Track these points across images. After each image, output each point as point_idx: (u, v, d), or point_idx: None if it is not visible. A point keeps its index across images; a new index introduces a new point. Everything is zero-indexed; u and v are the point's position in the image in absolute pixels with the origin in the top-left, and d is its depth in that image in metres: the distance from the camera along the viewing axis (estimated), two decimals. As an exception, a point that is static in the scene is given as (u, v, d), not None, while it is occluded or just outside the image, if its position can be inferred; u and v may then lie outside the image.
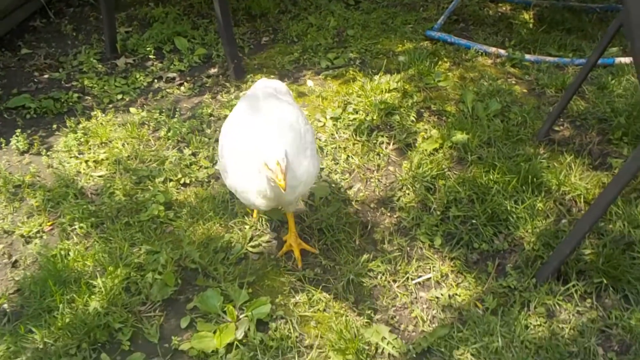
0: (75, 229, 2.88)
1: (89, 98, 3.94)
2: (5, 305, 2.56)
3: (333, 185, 3.13)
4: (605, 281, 2.60)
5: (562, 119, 3.50)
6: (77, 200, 3.03)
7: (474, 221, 2.90)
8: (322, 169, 3.22)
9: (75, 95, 3.93)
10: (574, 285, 2.59)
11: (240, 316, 2.48)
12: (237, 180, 2.37)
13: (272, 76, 3.10)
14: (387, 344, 2.39)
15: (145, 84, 4.06)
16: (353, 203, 3.04)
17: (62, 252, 2.73)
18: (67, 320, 2.43)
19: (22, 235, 2.89)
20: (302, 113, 2.65)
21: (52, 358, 2.32)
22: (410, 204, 3.01)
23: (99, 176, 3.20)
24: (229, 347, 2.37)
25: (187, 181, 3.16)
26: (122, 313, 2.48)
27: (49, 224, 2.94)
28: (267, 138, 2.26)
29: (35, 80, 4.15)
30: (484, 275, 2.69)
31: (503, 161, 3.14)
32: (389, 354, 2.37)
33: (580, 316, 2.51)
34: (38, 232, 2.91)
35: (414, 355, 2.37)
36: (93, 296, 2.53)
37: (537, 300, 2.54)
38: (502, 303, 2.56)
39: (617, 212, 2.90)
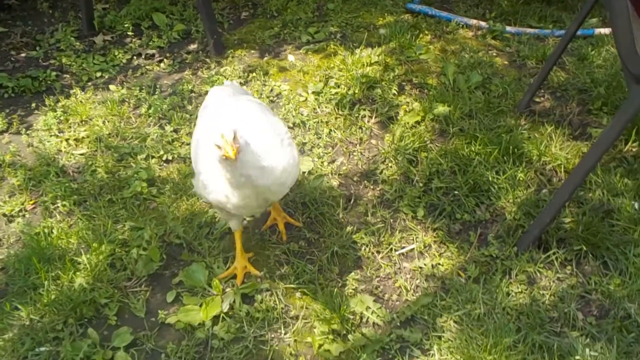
0: (58, 207, 2.87)
1: (68, 76, 3.89)
2: (-10, 284, 2.56)
3: (316, 159, 3.13)
4: (584, 248, 2.65)
5: (542, 90, 3.53)
6: (59, 179, 3.01)
7: (456, 192, 2.94)
8: (304, 144, 3.23)
9: (54, 73, 3.87)
10: (554, 253, 2.64)
11: (226, 289, 2.50)
12: (220, 187, 2.15)
13: (225, 81, 2.98)
14: (372, 313, 2.43)
15: (124, 61, 4.01)
16: (336, 176, 3.05)
17: (46, 230, 2.72)
18: (53, 296, 2.43)
19: (4, 214, 2.87)
20: (267, 107, 2.53)
21: (39, 334, 2.32)
22: (393, 177, 3.03)
23: (80, 154, 3.18)
24: (216, 319, 2.39)
25: (170, 157, 3.14)
26: (108, 289, 2.49)
27: (31, 202, 2.92)
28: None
29: (12, 59, 4.09)
30: (466, 245, 2.72)
31: (484, 133, 3.16)
32: (373, 322, 2.41)
33: (561, 282, 2.56)
34: (20, 210, 2.89)
35: (398, 324, 2.41)
36: (78, 273, 2.53)
37: (518, 268, 2.59)
38: (484, 271, 2.60)
39: (597, 181, 2.95)
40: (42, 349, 2.28)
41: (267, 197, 2.20)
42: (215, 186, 2.16)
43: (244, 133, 2.02)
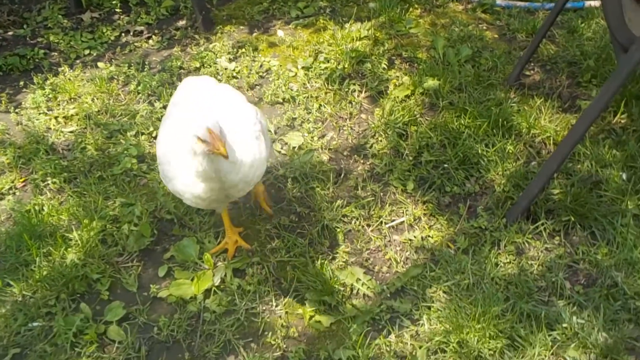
0: (48, 184, 2.87)
1: (56, 54, 3.86)
2: (-19, 261, 2.57)
3: (306, 134, 3.13)
4: (573, 219, 2.67)
5: (532, 63, 3.53)
6: (49, 156, 3.01)
7: (445, 165, 2.95)
8: (294, 119, 3.22)
9: (41, 51, 3.84)
10: (542, 224, 2.66)
11: (217, 263, 2.51)
12: (182, 177, 2.10)
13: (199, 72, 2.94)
14: (362, 284, 2.45)
15: (112, 38, 3.98)
16: (326, 151, 3.06)
17: (36, 208, 2.72)
18: (45, 272, 2.44)
19: (-6, 193, 2.87)
20: (241, 96, 2.45)
21: (32, 309, 2.34)
22: (383, 151, 3.04)
23: (70, 132, 3.17)
24: (207, 293, 2.41)
25: (160, 134, 3.14)
26: (100, 264, 2.50)
27: (21, 180, 2.92)
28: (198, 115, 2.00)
29: (0, 37, 4.04)
30: (456, 217, 2.74)
31: (474, 106, 3.16)
32: (363, 294, 2.44)
33: (549, 253, 2.59)
34: (10, 188, 2.89)
35: (388, 295, 2.44)
36: (69, 249, 2.54)
37: (507, 239, 2.61)
38: (473, 243, 2.62)
39: (585, 152, 2.97)
40: (35, 324, 2.30)
41: (230, 193, 2.15)
42: (177, 176, 2.11)
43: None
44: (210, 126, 1.89)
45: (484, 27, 3.89)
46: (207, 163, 1.97)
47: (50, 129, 3.20)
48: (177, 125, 2.19)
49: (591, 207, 2.72)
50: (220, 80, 3.47)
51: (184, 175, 2.08)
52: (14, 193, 2.87)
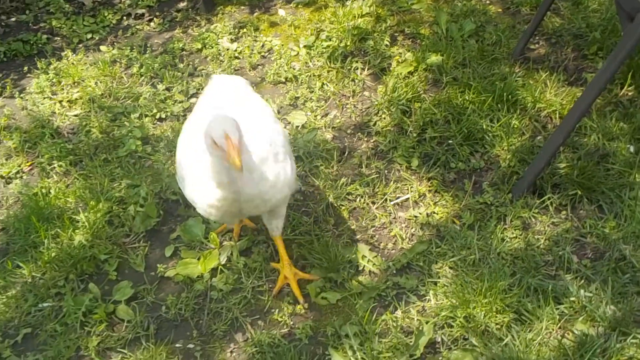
0: (55, 167, 2.88)
1: (58, 39, 3.85)
2: (-9, 244, 2.59)
3: (309, 113, 3.12)
4: (580, 193, 2.66)
5: (537, 37, 3.48)
6: (54, 140, 3.02)
7: (450, 141, 2.93)
8: (297, 98, 3.21)
9: (44, 36, 3.84)
10: (549, 198, 2.65)
11: (223, 243, 2.53)
12: (194, 183, 1.98)
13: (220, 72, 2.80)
14: (368, 261, 2.46)
15: (114, 21, 3.97)
16: (330, 129, 3.05)
17: (43, 191, 2.74)
18: (53, 254, 2.46)
19: (2, 177, 2.89)
20: (272, 112, 2.32)
21: (41, 290, 2.36)
22: (387, 128, 3.03)
23: (74, 115, 3.18)
24: (214, 271, 2.43)
25: (163, 116, 3.14)
26: (107, 245, 2.52)
27: (27, 164, 2.94)
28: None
29: (3, 23, 4.04)
30: (461, 193, 2.74)
31: (478, 81, 3.13)
32: (369, 271, 2.44)
33: (555, 227, 2.58)
34: (18, 172, 2.91)
35: (394, 271, 2.44)
36: (77, 230, 2.56)
37: (513, 214, 2.60)
38: (479, 218, 2.61)
39: (592, 125, 2.94)
40: (45, 304, 2.33)
41: (243, 208, 1.98)
42: (192, 182, 1.98)
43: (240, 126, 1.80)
44: (228, 131, 1.71)
45: (488, 1, 3.84)
46: (221, 168, 1.82)
47: (55, 113, 3.21)
48: (198, 127, 1.99)
49: (598, 180, 2.70)
50: (222, 62, 3.47)
51: (198, 181, 1.94)
52: (21, 177, 2.89)
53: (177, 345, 2.21)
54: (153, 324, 2.28)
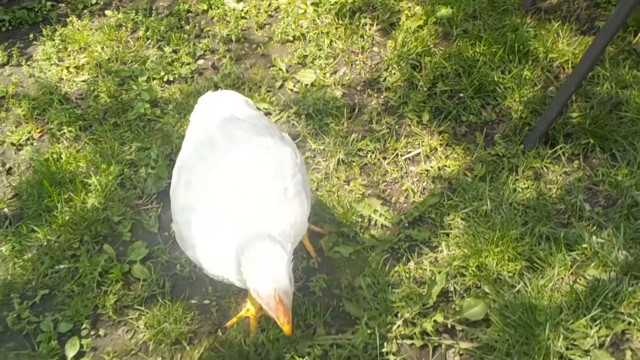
0: (64, 133, 2.89)
1: (63, 5, 3.81)
2: (6, 210, 2.61)
3: (318, 70, 3.09)
4: (592, 141, 2.63)
5: (548, -14, 3.41)
6: (63, 106, 3.01)
7: (461, 95, 2.90)
8: (306, 56, 3.18)
9: (49, 3, 3.79)
10: (561, 148, 2.63)
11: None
12: (211, 262, 1.74)
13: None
14: (380, 215, 2.46)
15: (118, -14, 3.92)
16: (339, 87, 3.02)
17: (54, 156, 2.74)
18: (67, 217, 2.49)
19: (12, 144, 2.89)
20: (274, 127, 2.06)
21: (57, 252, 2.39)
22: (397, 83, 2.99)
23: (82, 81, 3.16)
24: (226, 229, 2.43)
25: (171, 78, 3.12)
26: (120, 207, 2.54)
27: (37, 130, 2.94)
28: (258, 245, 1.58)
29: (6, -8, 4.01)
30: (473, 146, 2.71)
31: (489, 33, 3.08)
32: (381, 224, 2.44)
33: (568, 176, 2.56)
34: (28, 139, 2.91)
35: (406, 225, 2.44)
36: (89, 194, 2.58)
37: (525, 165, 2.58)
38: (491, 170, 2.60)
39: (605, 74, 2.89)
40: (61, 266, 2.35)
41: None
42: (207, 257, 1.73)
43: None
44: (281, 292, 1.49)
45: (498, -48, 3.75)
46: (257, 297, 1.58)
47: (62, 79, 3.20)
48: (200, 178, 1.81)
49: (611, 128, 2.67)
50: (228, 23, 3.42)
51: (215, 255, 1.70)
52: (32, 143, 2.90)
53: (192, 301, 2.24)
54: (168, 282, 2.30)
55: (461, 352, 2.04)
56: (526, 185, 2.52)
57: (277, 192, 1.75)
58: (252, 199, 1.71)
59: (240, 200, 1.71)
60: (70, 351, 2.11)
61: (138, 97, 2.97)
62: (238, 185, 1.75)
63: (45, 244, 2.44)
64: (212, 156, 1.85)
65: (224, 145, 1.87)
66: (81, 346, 2.13)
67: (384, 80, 3.03)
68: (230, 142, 1.87)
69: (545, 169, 2.58)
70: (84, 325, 2.18)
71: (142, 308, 2.21)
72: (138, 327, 2.18)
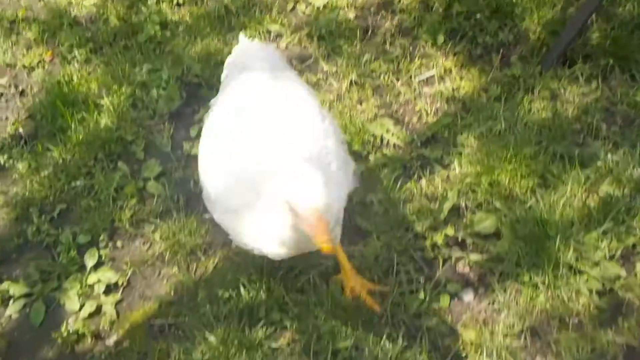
0: (75, 55, 2.87)
1: None
2: (20, 130, 2.63)
3: (331, -8, 3.02)
4: (611, 62, 2.57)
5: None
6: (73, 29, 2.99)
7: (477, 16, 2.82)
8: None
9: None
10: (579, 68, 2.57)
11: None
12: (238, 222, 1.64)
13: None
14: (392, 135, 2.44)
15: None
16: (352, 9, 2.95)
17: (66, 78, 2.74)
18: (81, 136, 2.51)
19: (24, 66, 2.89)
20: (315, 101, 1.87)
21: (73, 169, 2.42)
22: (412, 5, 2.92)
23: (92, 4, 3.12)
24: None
25: (181, 1, 3.07)
26: (133, 127, 2.55)
27: (48, 53, 2.93)
28: (295, 166, 1.48)
29: None
30: (488, 67, 2.67)
31: (508, -49, 2.97)
32: (394, 144, 2.43)
33: (585, 97, 2.52)
34: (39, 62, 2.91)
35: (419, 144, 2.43)
36: (102, 114, 2.59)
37: (542, 85, 2.54)
38: (506, 91, 2.56)
39: (627, -6, 2.80)
40: (78, 182, 2.39)
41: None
42: (234, 215, 1.63)
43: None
44: (322, 209, 1.38)
45: None
46: (293, 235, 1.51)
47: (71, 2, 3.15)
48: (233, 141, 1.68)
49: (632, 49, 2.60)
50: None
51: (252, 225, 1.59)
52: (44, 66, 2.89)
53: (206, 216, 2.26)
54: (182, 197, 2.33)
55: (471, 264, 2.06)
56: (542, 106, 2.48)
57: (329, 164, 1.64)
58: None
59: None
60: (90, 261, 2.16)
61: (148, 19, 2.94)
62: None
63: (60, 162, 2.47)
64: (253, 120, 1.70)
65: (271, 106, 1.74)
66: (100, 257, 2.18)
67: (399, 1, 2.95)
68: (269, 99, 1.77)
69: (562, 90, 2.54)
70: (101, 237, 2.23)
71: (158, 221, 2.25)
72: (154, 239, 2.22)
